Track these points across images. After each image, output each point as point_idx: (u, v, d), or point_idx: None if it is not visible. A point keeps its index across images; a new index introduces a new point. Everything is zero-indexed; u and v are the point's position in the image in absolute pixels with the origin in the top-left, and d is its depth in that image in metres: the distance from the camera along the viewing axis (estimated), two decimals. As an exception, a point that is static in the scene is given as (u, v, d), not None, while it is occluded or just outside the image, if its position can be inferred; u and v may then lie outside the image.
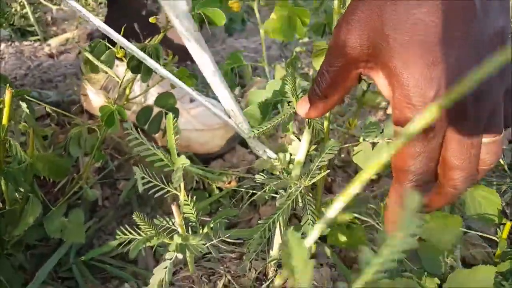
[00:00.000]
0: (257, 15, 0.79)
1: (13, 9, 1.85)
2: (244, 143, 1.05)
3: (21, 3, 1.82)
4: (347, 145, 0.65)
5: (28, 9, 1.80)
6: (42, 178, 0.77)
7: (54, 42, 1.74)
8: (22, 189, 0.59)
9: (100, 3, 2.11)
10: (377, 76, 0.39)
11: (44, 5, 1.97)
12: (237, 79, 0.83)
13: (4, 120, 0.54)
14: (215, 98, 1.06)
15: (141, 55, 0.54)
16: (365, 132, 0.60)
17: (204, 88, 1.28)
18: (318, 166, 0.52)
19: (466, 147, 0.36)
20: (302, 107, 0.45)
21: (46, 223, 0.64)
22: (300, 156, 0.56)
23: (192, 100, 0.98)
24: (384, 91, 0.39)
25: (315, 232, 0.39)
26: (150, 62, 0.54)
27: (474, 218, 0.65)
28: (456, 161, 0.36)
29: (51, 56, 1.61)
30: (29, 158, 0.57)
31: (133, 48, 0.54)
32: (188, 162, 0.43)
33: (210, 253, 0.71)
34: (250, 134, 0.53)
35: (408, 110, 0.35)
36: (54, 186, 0.79)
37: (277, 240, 0.58)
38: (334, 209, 0.29)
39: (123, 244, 0.42)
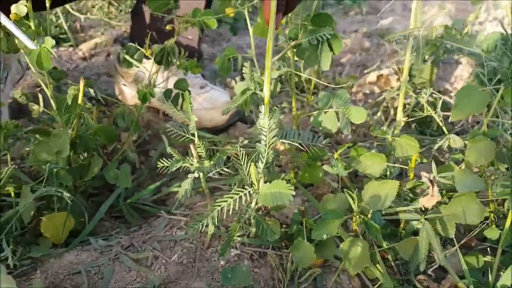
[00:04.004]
0: (248, 21, 1.03)
1: (48, 20, 2.16)
2: (244, 120, 1.33)
3: (56, 14, 2.13)
4: (309, 113, 0.93)
5: (62, 19, 2.11)
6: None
7: (85, 46, 2.04)
8: (90, 148, 0.89)
9: (121, 11, 2.42)
10: None
11: (73, 15, 2.28)
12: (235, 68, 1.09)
13: (80, 100, 0.84)
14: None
15: (16, 33, 0.78)
16: (318, 101, 0.88)
17: (212, 80, 1.57)
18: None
19: None
20: None
21: (106, 173, 0.94)
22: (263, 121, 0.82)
23: (202, 87, 1.28)
24: None
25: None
26: (22, 36, 0.78)
27: (402, 158, 0.93)
28: None
29: (84, 59, 1.91)
30: (96, 126, 0.86)
31: (13, 29, 0.78)
32: (196, 118, 0.71)
33: (220, 189, 1.00)
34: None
35: None
36: (104, 152, 1.08)
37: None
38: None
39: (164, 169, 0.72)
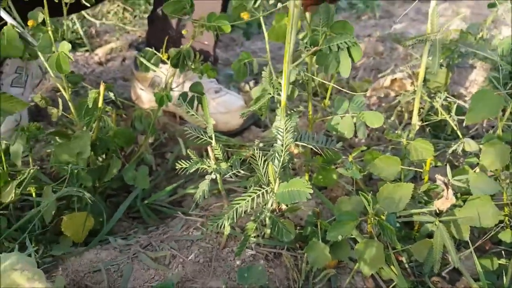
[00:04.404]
0: (263, 26, 1.03)
1: (65, 25, 2.21)
2: (258, 124, 1.35)
3: (72, 20, 2.17)
4: (324, 117, 0.94)
5: (78, 25, 2.15)
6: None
7: (100, 51, 2.08)
8: (109, 150, 0.91)
9: (135, 16, 2.46)
10: None
11: (89, 20, 2.33)
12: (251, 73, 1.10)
13: (100, 103, 0.86)
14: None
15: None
16: (334, 105, 0.89)
17: (226, 84, 1.59)
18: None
19: None
20: None
21: (124, 174, 0.96)
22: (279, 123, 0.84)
23: (216, 92, 1.30)
24: None
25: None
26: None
27: (416, 161, 0.93)
28: None
29: (100, 63, 1.95)
30: (115, 128, 0.88)
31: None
32: (214, 121, 0.73)
33: (235, 191, 1.01)
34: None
35: None
36: (122, 154, 1.11)
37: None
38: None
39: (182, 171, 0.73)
